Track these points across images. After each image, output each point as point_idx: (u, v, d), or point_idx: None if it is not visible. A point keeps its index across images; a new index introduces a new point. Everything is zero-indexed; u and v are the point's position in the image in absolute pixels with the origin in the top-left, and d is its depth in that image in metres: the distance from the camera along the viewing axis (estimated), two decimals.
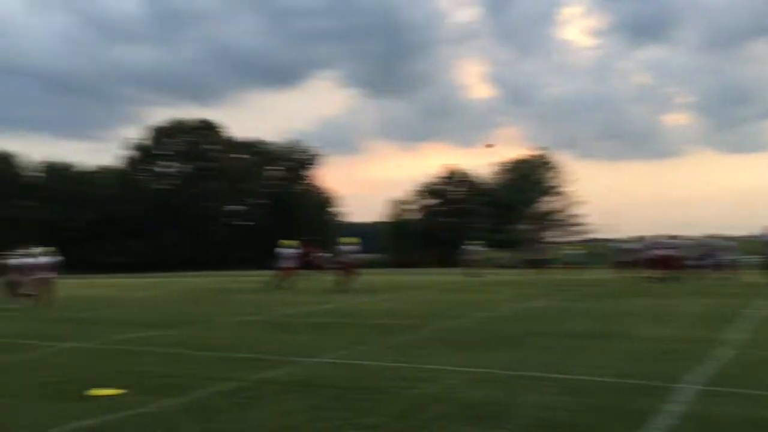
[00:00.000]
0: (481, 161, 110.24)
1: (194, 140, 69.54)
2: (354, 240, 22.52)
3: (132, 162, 70.73)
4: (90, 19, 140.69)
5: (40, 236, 63.31)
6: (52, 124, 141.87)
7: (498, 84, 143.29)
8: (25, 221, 65.17)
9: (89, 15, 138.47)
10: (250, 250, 63.05)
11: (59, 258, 18.33)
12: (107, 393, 6.64)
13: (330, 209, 73.69)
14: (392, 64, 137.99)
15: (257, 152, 73.17)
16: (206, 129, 71.18)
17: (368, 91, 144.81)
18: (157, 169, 71.77)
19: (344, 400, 6.19)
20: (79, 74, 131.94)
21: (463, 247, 33.94)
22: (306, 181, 74.97)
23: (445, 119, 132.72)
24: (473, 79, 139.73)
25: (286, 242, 24.17)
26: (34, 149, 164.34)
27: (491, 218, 65.78)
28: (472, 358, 8.27)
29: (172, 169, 72.20)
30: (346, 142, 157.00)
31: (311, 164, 75.17)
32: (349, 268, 21.52)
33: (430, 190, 72.07)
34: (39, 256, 17.73)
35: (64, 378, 7.57)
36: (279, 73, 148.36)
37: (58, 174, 70.52)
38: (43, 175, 71.58)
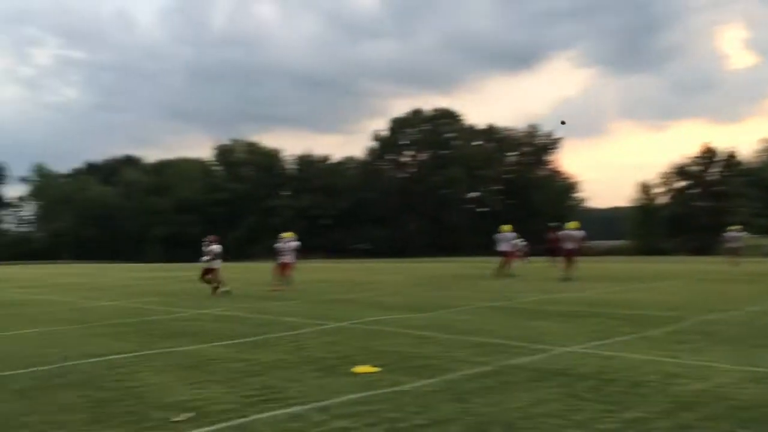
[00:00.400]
0: (746, 138, 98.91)
1: (433, 129, 71.43)
2: (574, 224, 21.30)
3: (375, 152, 74.59)
4: (335, 19, 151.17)
5: (296, 223, 69.69)
6: (307, 120, 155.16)
7: (766, 50, 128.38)
8: (285, 210, 72.05)
9: (334, 15, 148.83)
10: (487, 235, 63.35)
11: (298, 243, 19.62)
12: (367, 370, 7.02)
13: (570, 194, 71.48)
14: (636, 39, 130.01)
15: (495, 138, 73.23)
16: (444, 117, 72.75)
17: (609, 69, 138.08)
18: (398, 158, 74.95)
19: (602, 392, 5.90)
20: (328, 72, 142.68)
21: (725, 233, 30.79)
22: (545, 166, 73.52)
23: (700, 93, 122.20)
24: (734, 47, 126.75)
25: (505, 227, 23.81)
26: (294, 144, 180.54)
27: (757, 201, 58.97)
28: (743, 355, 7.45)
29: (412, 158, 74.94)
30: (587, 123, 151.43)
31: (551, 149, 73.50)
32: (572, 254, 20.42)
33: (682, 172, 66.41)
34: (287, 242, 19.12)
35: (329, 354, 8.16)
36: (515, 57, 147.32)
37: (312, 166, 76.74)
38: (298, 167, 78.41)
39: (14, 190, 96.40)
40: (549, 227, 26.95)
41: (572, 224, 21.25)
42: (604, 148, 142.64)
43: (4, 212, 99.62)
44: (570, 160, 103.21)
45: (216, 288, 17.61)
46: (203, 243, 18.41)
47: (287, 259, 18.86)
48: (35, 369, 7.81)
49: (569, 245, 20.31)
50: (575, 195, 71.77)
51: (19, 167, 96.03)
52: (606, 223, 79.69)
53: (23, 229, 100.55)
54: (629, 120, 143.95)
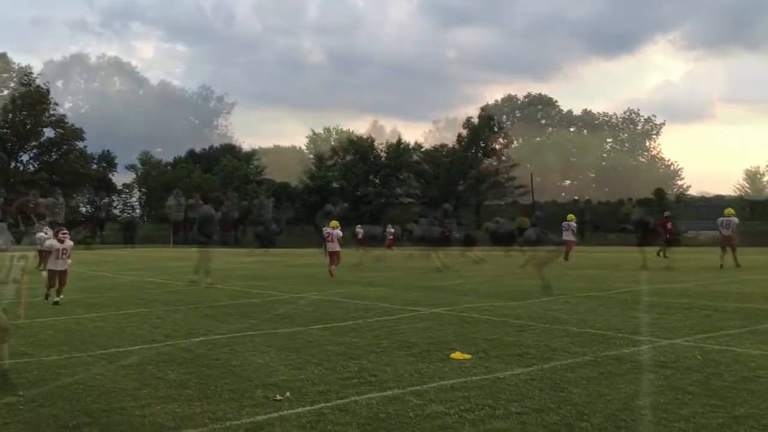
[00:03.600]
0: None
1: (526, 116, 70.15)
2: (730, 211, 20.48)
3: (467, 140, 73.95)
4: (425, 4, 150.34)
5: (387, 211, 69.90)
6: (398, 108, 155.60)
7: None
8: (376, 197, 72.75)
9: (425, 1, 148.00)
10: (583, 224, 61.90)
11: (340, 233, 19.87)
12: (462, 357, 7.02)
13: (671, 182, 68.67)
14: (745, 16, 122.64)
15: (591, 125, 71.20)
16: (538, 104, 71.29)
17: (715, 51, 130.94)
18: (490, 145, 74.07)
19: (708, 386, 5.67)
20: (419, 59, 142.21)
21: None
22: (645, 153, 71.02)
23: None
24: None
25: (570, 216, 23.79)
26: (385, 132, 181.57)
27: None
28: None
29: (504, 146, 73.92)
30: (690, 108, 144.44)
31: (651, 135, 70.90)
32: (728, 241, 19.49)
33: None
34: (332, 231, 19.44)
35: (424, 340, 8.21)
36: (613, 40, 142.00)
37: (402, 154, 77.01)
38: (386, 155, 78.91)
39: (121, 178, 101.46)
40: (665, 217, 26.11)
41: (729, 210, 20.56)
42: (709, 134, 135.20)
43: (112, 198, 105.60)
44: (672, 146, 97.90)
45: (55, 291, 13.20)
46: (61, 234, 13.54)
47: (334, 247, 19.26)
48: (145, 346, 8.25)
49: (726, 232, 19.65)
50: (677, 182, 68.91)
51: (126, 156, 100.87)
52: (710, 212, 76.12)
53: (130, 214, 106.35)
54: (736, 104, 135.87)
